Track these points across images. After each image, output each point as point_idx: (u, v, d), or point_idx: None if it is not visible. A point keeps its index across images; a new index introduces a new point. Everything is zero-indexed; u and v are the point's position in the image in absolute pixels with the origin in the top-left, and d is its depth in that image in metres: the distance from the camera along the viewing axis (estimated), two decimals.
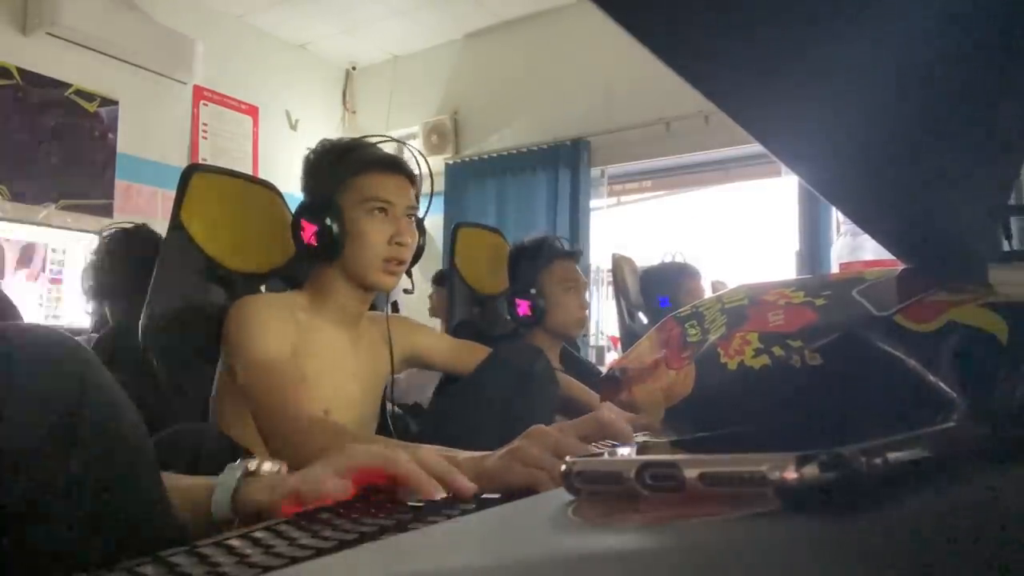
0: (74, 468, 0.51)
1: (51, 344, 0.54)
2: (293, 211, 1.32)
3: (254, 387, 1.07)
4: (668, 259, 2.53)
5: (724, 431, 0.47)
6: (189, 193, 1.30)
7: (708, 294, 2.41)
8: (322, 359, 1.16)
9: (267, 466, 0.63)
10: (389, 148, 1.42)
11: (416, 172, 1.34)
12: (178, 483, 0.64)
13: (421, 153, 1.43)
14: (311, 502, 0.55)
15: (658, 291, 2.41)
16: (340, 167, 1.28)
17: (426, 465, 0.61)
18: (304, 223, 1.25)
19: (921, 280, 0.45)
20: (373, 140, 1.34)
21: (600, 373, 2.26)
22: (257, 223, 1.38)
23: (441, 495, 0.57)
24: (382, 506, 0.55)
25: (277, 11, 4.15)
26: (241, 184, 1.41)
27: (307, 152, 1.33)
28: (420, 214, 1.34)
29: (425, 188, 1.35)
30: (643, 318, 2.58)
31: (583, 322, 1.96)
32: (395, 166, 1.29)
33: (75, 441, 0.51)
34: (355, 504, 0.56)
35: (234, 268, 1.34)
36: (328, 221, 1.23)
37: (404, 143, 1.53)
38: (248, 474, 0.62)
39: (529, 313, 1.84)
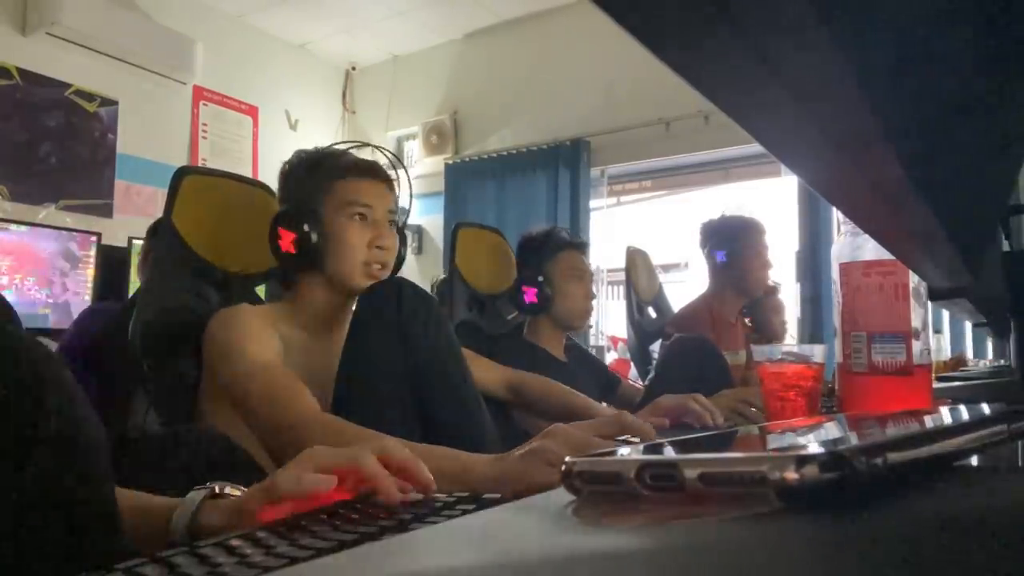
0: (28, 476, 0.49)
1: (10, 345, 0.52)
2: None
3: (249, 391, 1.05)
4: (729, 212, 2.40)
5: (724, 430, 0.47)
6: (180, 195, 1.29)
7: (770, 251, 2.34)
8: (302, 370, 1.15)
9: (229, 489, 0.61)
10: (370, 154, 1.42)
11: (395, 178, 1.34)
12: (140, 502, 0.63)
13: (398, 159, 1.43)
14: (295, 498, 0.54)
15: (716, 245, 2.30)
16: (317, 174, 1.28)
17: (388, 458, 0.59)
18: (282, 231, 1.24)
19: None
20: (346, 147, 1.35)
21: (604, 366, 2.26)
22: (250, 224, 1.37)
23: (399, 499, 0.55)
24: (379, 508, 0.55)
25: (277, 11, 4.15)
26: (234, 185, 1.41)
27: (283, 164, 1.33)
28: (402, 222, 1.34)
29: (405, 196, 1.37)
30: (652, 313, 2.57)
31: (588, 312, 1.98)
32: (373, 171, 1.29)
33: (31, 447, 0.50)
34: (352, 506, 0.56)
35: (228, 269, 1.34)
36: (307, 228, 1.23)
37: (381, 148, 1.53)
38: (212, 496, 0.60)
39: (536, 301, 1.86)
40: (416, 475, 0.59)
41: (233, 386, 1.08)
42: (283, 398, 1.02)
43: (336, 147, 1.35)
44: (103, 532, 0.54)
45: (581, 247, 1.99)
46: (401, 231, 1.35)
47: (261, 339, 1.15)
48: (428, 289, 2.75)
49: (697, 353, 1.82)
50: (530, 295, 1.86)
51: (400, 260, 1.35)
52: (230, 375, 1.09)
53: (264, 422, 1.02)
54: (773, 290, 2.52)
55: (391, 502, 0.54)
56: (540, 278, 1.87)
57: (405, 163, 1.35)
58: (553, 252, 1.93)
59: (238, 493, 0.62)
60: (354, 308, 1.25)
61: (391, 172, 1.35)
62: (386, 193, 1.30)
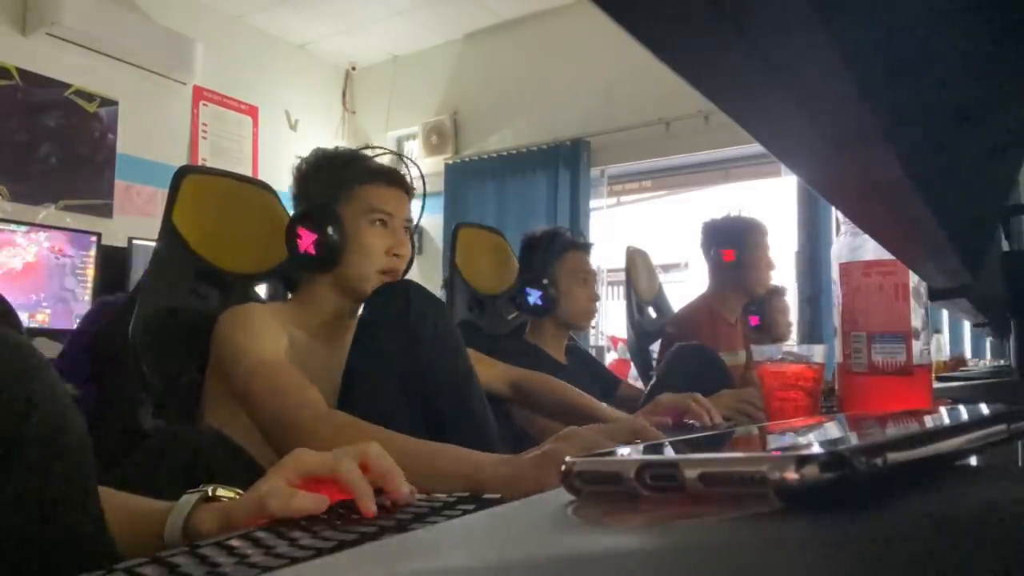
0: (14, 480, 0.49)
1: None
2: (290, 214, 1.32)
3: (258, 387, 1.04)
4: (734, 213, 2.40)
5: (724, 429, 0.47)
6: (181, 195, 1.29)
7: (772, 252, 2.34)
8: (308, 372, 1.15)
9: (222, 492, 0.61)
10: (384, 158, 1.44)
11: (412, 186, 1.36)
12: (133, 504, 0.62)
13: (417, 166, 1.44)
14: (283, 516, 0.53)
15: (720, 244, 2.30)
16: (342, 177, 1.28)
17: (368, 463, 0.57)
18: (301, 231, 1.24)
19: None
20: (370, 152, 1.36)
21: (604, 367, 2.26)
22: (252, 223, 1.38)
23: (373, 511, 0.53)
24: (379, 508, 0.55)
25: (277, 11, 4.15)
26: (235, 185, 1.40)
27: (299, 161, 1.33)
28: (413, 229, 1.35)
29: (418, 202, 1.38)
30: (652, 313, 2.58)
31: (592, 313, 1.99)
32: (397, 180, 1.31)
33: (18, 450, 0.49)
34: (352, 506, 0.56)
35: (228, 269, 1.34)
36: (330, 231, 1.23)
37: (403, 156, 1.54)
38: (206, 500, 0.60)
39: (540, 303, 1.86)
40: (395, 487, 0.57)
41: (242, 382, 1.07)
42: (292, 394, 1.01)
43: (357, 152, 1.35)
44: (86, 528, 0.53)
45: (586, 248, 1.99)
46: (412, 237, 1.35)
47: (271, 336, 1.15)
48: (438, 289, 2.78)
49: (697, 361, 1.82)
50: (535, 297, 1.86)
51: (408, 265, 1.36)
52: (240, 372, 1.08)
53: (272, 418, 1.01)
54: (779, 291, 2.52)
55: (367, 515, 0.53)
56: (545, 280, 1.87)
57: (404, 177, 1.36)
58: (558, 253, 1.93)
59: (231, 495, 0.61)
60: (360, 310, 1.26)
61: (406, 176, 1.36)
62: (406, 201, 1.31)
